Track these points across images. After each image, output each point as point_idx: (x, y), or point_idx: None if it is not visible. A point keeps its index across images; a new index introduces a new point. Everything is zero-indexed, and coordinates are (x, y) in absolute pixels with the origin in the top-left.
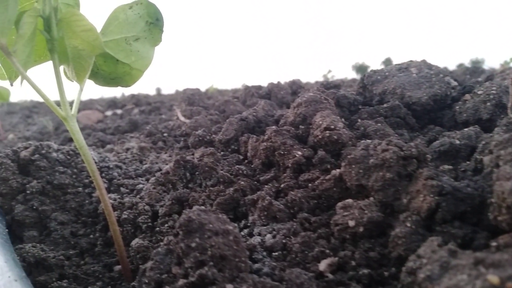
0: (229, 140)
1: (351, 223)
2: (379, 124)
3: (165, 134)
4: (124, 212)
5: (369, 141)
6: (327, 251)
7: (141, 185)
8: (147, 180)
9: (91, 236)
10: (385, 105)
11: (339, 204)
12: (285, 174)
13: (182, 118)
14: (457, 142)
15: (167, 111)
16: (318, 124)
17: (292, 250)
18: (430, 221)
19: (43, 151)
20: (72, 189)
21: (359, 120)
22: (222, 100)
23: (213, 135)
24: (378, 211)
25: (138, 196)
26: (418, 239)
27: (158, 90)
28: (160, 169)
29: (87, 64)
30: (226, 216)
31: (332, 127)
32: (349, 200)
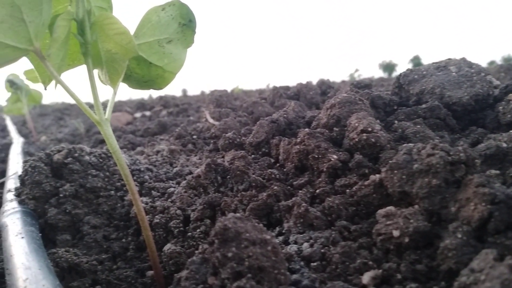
0: (260, 143)
1: (396, 233)
2: (418, 126)
3: (194, 137)
4: (156, 217)
5: (411, 144)
6: (370, 262)
7: (172, 189)
8: (178, 183)
9: (123, 240)
10: (423, 106)
11: (381, 212)
12: (320, 179)
13: (211, 120)
14: (504, 145)
15: (194, 113)
16: (354, 127)
17: (331, 261)
18: (482, 232)
19: (76, 154)
20: (104, 192)
21: (396, 121)
22: (250, 102)
23: (243, 138)
24: (424, 220)
25: (169, 200)
26: (469, 251)
27: (184, 91)
28: (190, 172)
29: (121, 68)
30: (262, 224)
31: (369, 129)
32: (392, 208)
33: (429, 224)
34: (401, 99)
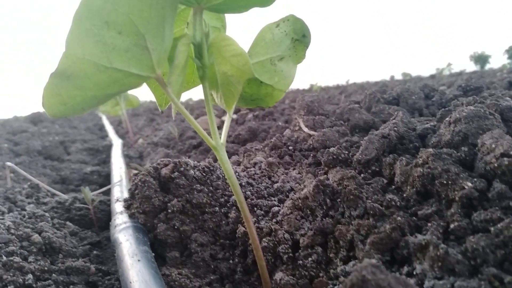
0: (370, 160)
1: None
2: None
3: (290, 147)
4: (264, 240)
5: None
6: None
7: (276, 208)
8: (280, 201)
9: (231, 261)
10: None
11: None
12: (451, 210)
13: (306, 130)
14: None
15: (280, 116)
16: (490, 148)
17: None
18: None
19: (182, 169)
20: (209, 209)
21: None
22: (345, 107)
23: (347, 152)
24: None
25: (274, 220)
26: None
27: None
28: (292, 189)
29: (236, 90)
30: (387, 259)
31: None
32: None
33: None
34: None
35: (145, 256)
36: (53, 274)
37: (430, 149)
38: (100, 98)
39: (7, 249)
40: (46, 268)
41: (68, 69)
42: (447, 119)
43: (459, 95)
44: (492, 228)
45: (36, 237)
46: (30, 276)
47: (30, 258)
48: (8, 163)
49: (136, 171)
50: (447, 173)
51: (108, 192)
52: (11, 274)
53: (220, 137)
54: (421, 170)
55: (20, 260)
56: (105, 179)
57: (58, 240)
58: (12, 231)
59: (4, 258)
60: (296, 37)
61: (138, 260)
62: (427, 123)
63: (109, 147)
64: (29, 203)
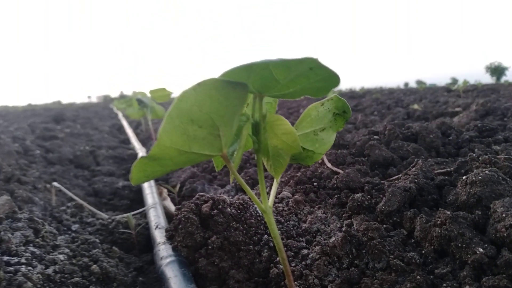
0: (392, 212)
1: None
2: None
3: (315, 184)
4: (294, 283)
5: None
6: None
7: (305, 250)
8: (307, 241)
9: None
10: None
11: None
12: (464, 273)
13: (329, 165)
14: None
15: None
16: (500, 217)
17: None
18: None
19: (220, 206)
20: (244, 247)
21: None
22: (365, 142)
23: (369, 196)
24: None
25: (304, 263)
26: None
27: None
28: (318, 230)
29: (285, 161)
30: None
31: None
32: None
33: None
34: None
35: None
36: None
37: (448, 212)
38: (174, 169)
39: (72, 279)
40: None
41: (157, 154)
42: (463, 178)
43: (475, 136)
44: None
45: (95, 267)
46: None
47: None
48: (55, 183)
49: (165, 190)
50: (462, 236)
51: (139, 205)
52: None
53: (268, 201)
54: (439, 230)
55: None
56: (136, 194)
57: (112, 270)
58: (74, 261)
59: None
60: (337, 112)
61: None
62: (444, 168)
63: (134, 156)
64: (74, 222)
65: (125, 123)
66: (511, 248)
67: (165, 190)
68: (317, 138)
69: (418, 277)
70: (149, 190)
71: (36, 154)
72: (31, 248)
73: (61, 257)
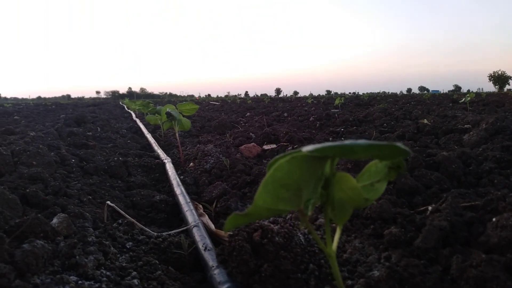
0: (428, 249)
1: None
2: None
3: None
4: None
5: None
6: None
7: (349, 281)
8: (349, 271)
9: None
10: None
11: None
12: None
13: None
14: None
15: None
16: None
17: None
18: None
19: (269, 235)
20: (293, 275)
21: None
22: None
23: (403, 229)
24: None
25: None
26: None
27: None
28: (358, 260)
29: (348, 212)
30: None
31: None
32: None
33: None
34: None
35: None
36: None
37: (483, 255)
38: (256, 220)
39: None
40: None
41: (251, 212)
42: (494, 221)
43: (494, 167)
44: None
45: None
46: None
47: None
48: (109, 203)
49: (201, 206)
50: (497, 279)
51: (174, 218)
52: None
53: (332, 246)
54: (475, 272)
55: None
56: (172, 208)
57: None
58: (145, 284)
59: None
60: (392, 166)
61: None
62: (469, 202)
63: (160, 165)
64: (126, 240)
65: (143, 127)
66: None
67: (200, 206)
68: (373, 188)
69: None
70: (187, 207)
71: (73, 164)
72: (105, 272)
73: (135, 281)
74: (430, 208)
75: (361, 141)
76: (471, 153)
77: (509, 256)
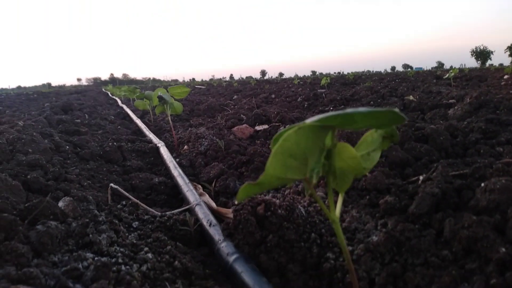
0: (422, 214)
1: None
2: None
3: None
4: (346, 276)
5: None
6: None
7: (349, 247)
8: (349, 239)
9: None
10: None
11: None
12: (490, 268)
13: None
14: None
15: None
16: None
17: None
18: None
19: (272, 208)
20: (296, 244)
21: None
22: None
23: (397, 198)
24: None
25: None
26: None
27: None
28: (356, 228)
29: (349, 180)
30: None
31: None
32: None
33: None
34: None
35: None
36: None
37: (474, 217)
38: (267, 189)
39: (163, 275)
40: None
41: (262, 180)
42: (482, 186)
43: (480, 138)
44: None
45: (177, 263)
46: None
47: (178, 282)
48: (112, 185)
49: (199, 186)
50: (487, 238)
51: (174, 199)
52: None
53: (336, 212)
54: (467, 232)
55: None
56: (171, 190)
57: (190, 265)
58: (159, 258)
59: (168, 284)
60: (386, 135)
61: None
62: (458, 171)
63: (154, 149)
64: (132, 220)
65: (131, 113)
66: None
67: (199, 186)
68: (369, 157)
69: (454, 271)
70: (187, 187)
71: (68, 150)
72: (118, 248)
73: (149, 255)
74: (421, 177)
75: (362, 108)
76: (458, 125)
77: (497, 217)
